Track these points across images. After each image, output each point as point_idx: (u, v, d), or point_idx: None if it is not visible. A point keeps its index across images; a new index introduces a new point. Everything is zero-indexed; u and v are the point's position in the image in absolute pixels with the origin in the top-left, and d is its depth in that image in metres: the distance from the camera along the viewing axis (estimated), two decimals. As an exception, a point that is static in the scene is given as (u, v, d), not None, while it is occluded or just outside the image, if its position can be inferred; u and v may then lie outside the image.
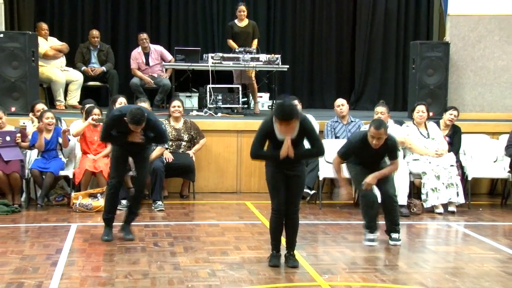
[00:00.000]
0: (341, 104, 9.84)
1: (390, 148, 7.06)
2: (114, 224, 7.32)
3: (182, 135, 9.57)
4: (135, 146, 7.06)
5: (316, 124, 9.77)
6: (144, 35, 12.11)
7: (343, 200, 8.78)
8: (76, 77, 12.01)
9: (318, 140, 6.18)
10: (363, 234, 7.21)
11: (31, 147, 9.03)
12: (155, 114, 7.51)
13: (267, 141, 6.14)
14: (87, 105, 9.49)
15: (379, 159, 7.16)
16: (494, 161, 9.72)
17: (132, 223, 7.37)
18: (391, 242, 7.17)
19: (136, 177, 7.44)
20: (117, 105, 9.55)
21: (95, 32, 12.41)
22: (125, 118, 6.80)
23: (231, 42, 11.94)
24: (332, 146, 9.40)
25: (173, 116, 9.66)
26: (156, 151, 8.94)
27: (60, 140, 9.04)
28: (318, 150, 6.22)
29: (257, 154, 6.18)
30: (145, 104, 9.23)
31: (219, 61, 11.35)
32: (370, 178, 7.04)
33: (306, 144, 6.20)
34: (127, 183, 9.14)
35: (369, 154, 7.04)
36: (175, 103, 9.70)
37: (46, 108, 9.58)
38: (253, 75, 11.96)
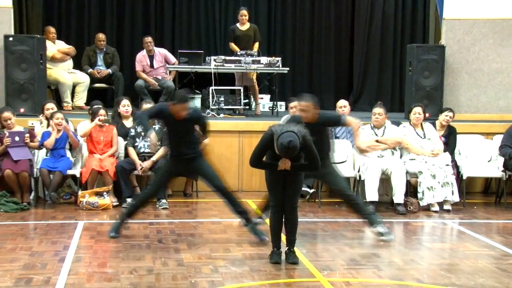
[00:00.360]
0: (343, 105, 9.79)
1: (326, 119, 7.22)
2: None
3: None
4: None
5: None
6: (148, 39, 12.12)
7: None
8: (82, 79, 12.01)
9: (315, 158, 6.18)
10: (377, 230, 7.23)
11: (40, 146, 9.05)
12: None
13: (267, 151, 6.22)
14: (94, 106, 9.51)
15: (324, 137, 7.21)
16: (488, 161, 9.72)
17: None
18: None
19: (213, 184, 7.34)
20: (121, 107, 9.59)
21: (101, 36, 12.42)
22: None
23: (233, 45, 11.95)
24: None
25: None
26: (160, 151, 8.94)
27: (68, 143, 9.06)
28: (313, 166, 6.25)
29: (256, 163, 6.29)
30: (149, 105, 9.26)
31: (222, 63, 11.35)
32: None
33: None
34: (132, 181, 9.17)
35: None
36: None
37: (55, 107, 9.59)
38: (254, 77, 11.97)
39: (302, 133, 6.01)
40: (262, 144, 6.18)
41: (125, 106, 9.59)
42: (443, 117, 9.68)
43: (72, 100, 11.90)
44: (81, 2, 13.47)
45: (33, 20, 12.16)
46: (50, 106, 9.49)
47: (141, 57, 12.13)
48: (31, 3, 12.11)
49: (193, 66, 11.57)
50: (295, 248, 6.38)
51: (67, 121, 9.58)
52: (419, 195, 8.90)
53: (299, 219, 6.44)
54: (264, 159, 6.28)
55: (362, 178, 9.00)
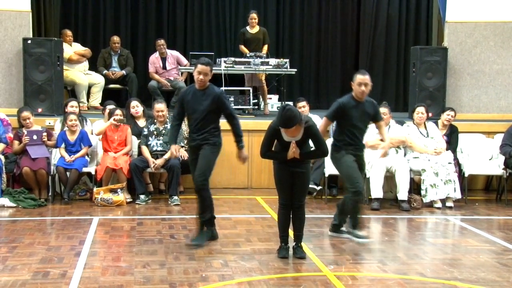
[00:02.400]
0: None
1: (374, 107, 6.89)
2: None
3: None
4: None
5: (322, 124, 9.77)
6: (161, 41, 12.12)
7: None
8: (98, 80, 12.03)
9: (322, 142, 6.20)
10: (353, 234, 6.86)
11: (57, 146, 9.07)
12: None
13: (275, 141, 6.17)
14: (110, 107, 9.52)
15: (365, 124, 6.85)
16: (490, 159, 9.67)
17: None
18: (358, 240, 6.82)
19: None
20: (131, 109, 9.58)
21: (116, 38, 12.43)
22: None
23: (243, 48, 11.94)
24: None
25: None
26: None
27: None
28: (322, 152, 6.28)
29: (266, 154, 6.25)
30: (162, 105, 9.26)
31: (232, 65, 11.34)
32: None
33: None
34: (145, 179, 9.16)
35: (357, 116, 6.70)
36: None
37: (76, 104, 9.59)
38: (263, 78, 11.96)
39: (306, 118, 6.07)
40: (269, 132, 6.17)
41: (134, 107, 9.59)
42: (445, 117, 9.63)
43: (87, 100, 11.92)
44: (97, 6, 13.52)
45: (50, 24, 12.17)
46: (75, 104, 9.51)
47: (154, 59, 12.13)
48: (49, 8, 12.12)
49: (204, 68, 11.53)
50: (302, 243, 6.36)
51: (86, 121, 9.62)
52: (422, 192, 8.86)
53: (306, 215, 6.42)
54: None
55: (367, 176, 8.96)
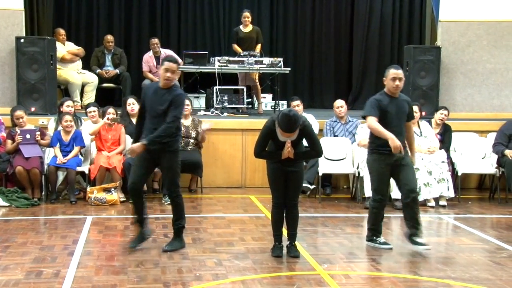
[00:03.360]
0: (340, 105, 9.81)
1: (410, 103, 6.66)
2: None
3: (190, 131, 9.53)
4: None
5: (316, 124, 9.79)
6: (155, 40, 12.11)
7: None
8: (91, 79, 12.00)
9: (317, 142, 6.22)
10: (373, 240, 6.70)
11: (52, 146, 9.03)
12: None
13: (269, 141, 6.16)
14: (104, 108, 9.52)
15: (401, 117, 6.51)
16: (483, 158, 9.70)
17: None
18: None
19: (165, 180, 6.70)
20: (127, 106, 9.55)
21: (109, 37, 12.41)
22: None
23: (236, 47, 11.93)
24: (331, 144, 9.43)
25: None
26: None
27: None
28: (316, 152, 6.29)
29: (260, 153, 6.22)
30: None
31: (225, 64, 11.34)
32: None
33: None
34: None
35: (393, 108, 6.43)
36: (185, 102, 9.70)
37: (72, 104, 9.56)
38: (257, 77, 11.96)
39: (303, 118, 6.07)
40: (264, 132, 6.14)
41: (130, 104, 9.55)
42: (438, 115, 9.66)
43: (81, 99, 11.89)
44: (90, 5, 13.50)
45: (44, 23, 12.14)
46: (70, 104, 9.48)
47: (148, 58, 12.11)
48: (42, 6, 12.08)
49: (198, 67, 11.55)
50: (296, 242, 6.36)
51: (80, 121, 9.59)
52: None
53: (300, 214, 6.42)
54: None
55: (361, 175, 8.97)
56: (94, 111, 9.44)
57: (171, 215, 6.55)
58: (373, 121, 6.42)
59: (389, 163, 6.49)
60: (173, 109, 6.27)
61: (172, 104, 6.27)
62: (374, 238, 6.69)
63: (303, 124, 6.01)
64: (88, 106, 9.83)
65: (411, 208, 6.54)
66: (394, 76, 6.44)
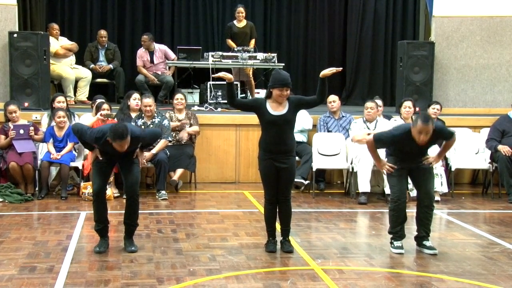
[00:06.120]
0: (333, 100, 9.83)
1: (440, 135, 6.38)
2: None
3: (184, 125, 9.54)
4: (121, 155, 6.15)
5: (309, 119, 9.80)
6: (144, 37, 12.00)
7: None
8: (85, 74, 11.97)
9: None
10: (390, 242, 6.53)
11: (45, 141, 9.01)
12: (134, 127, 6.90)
13: (251, 108, 6.31)
14: (98, 100, 9.45)
15: (423, 153, 6.45)
16: (476, 153, 9.71)
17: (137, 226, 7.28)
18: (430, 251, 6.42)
19: (126, 184, 6.38)
20: (131, 101, 9.47)
21: (103, 32, 12.38)
22: (108, 139, 5.94)
23: (230, 42, 11.92)
24: (324, 140, 9.44)
25: (176, 108, 9.69)
26: (160, 144, 8.91)
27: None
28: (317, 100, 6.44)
29: (234, 102, 6.25)
30: (149, 100, 9.21)
31: (219, 59, 11.33)
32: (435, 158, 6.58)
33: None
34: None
35: (412, 148, 6.29)
36: (178, 96, 9.75)
37: (64, 99, 9.52)
38: (250, 72, 11.95)
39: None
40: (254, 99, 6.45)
41: (136, 99, 9.46)
42: (430, 110, 9.67)
43: (74, 94, 11.87)
44: (84, 0, 13.43)
45: (37, 17, 12.09)
46: (62, 99, 9.43)
47: (142, 53, 12.08)
48: (35, 1, 12.04)
49: (191, 62, 11.54)
50: (290, 238, 6.37)
51: (73, 116, 9.56)
52: (410, 186, 8.83)
53: (293, 210, 6.44)
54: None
55: (355, 170, 8.99)
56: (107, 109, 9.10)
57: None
58: (372, 144, 6.37)
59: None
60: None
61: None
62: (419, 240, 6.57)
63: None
64: (97, 102, 9.28)
65: (430, 214, 6.54)
66: (420, 130, 6.07)
